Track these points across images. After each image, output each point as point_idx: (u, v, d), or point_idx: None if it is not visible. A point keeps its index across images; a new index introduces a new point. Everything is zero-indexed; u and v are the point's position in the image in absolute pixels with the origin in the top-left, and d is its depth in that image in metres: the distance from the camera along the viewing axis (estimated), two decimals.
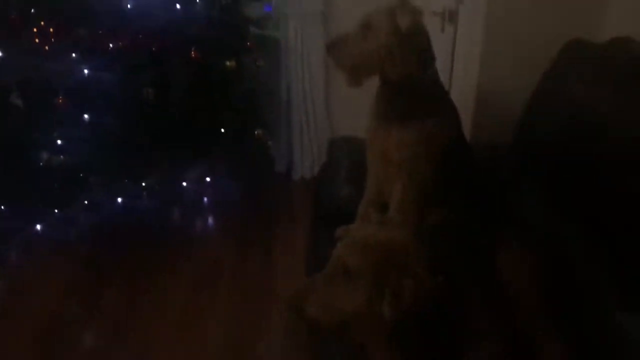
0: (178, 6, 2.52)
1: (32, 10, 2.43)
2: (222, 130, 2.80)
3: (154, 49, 2.50)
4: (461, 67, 2.25)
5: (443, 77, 2.36)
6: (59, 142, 2.51)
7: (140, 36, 2.48)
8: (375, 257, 1.04)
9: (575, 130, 1.60)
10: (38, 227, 2.73)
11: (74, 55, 2.43)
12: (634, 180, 1.31)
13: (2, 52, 2.41)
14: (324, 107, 3.45)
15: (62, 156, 2.51)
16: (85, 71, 2.41)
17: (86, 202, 2.73)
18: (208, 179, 2.92)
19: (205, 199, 3.13)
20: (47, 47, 2.39)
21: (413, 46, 1.49)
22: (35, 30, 2.39)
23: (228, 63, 2.68)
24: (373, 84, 1.62)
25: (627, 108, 1.42)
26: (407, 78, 1.52)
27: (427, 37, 1.55)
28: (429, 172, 1.56)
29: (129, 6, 2.45)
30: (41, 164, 2.49)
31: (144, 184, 2.75)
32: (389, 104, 1.57)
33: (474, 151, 1.75)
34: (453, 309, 1.16)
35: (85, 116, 2.47)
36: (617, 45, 1.69)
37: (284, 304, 1.12)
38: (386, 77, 1.55)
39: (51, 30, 2.40)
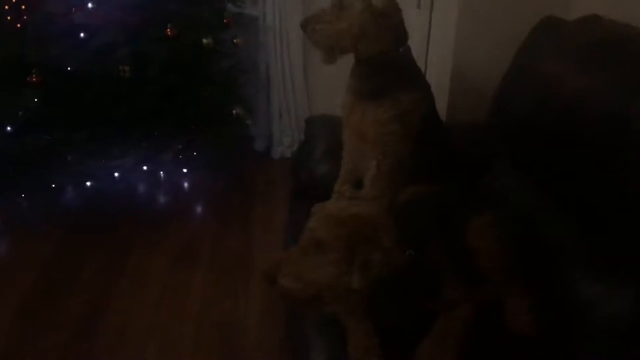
0: None
1: None
2: (200, 108, 2.79)
3: (129, 25, 2.47)
4: (437, 44, 2.27)
5: (420, 54, 2.40)
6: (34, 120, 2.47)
7: (116, 12, 2.45)
8: (346, 230, 1.08)
9: (546, 106, 1.62)
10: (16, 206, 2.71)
11: (48, 31, 2.40)
12: (603, 154, 1.35)
13: None
14: (303, 86, 3.46)
15: (38, 135, 2.48)
16: (59, 48, 2.37)
17: (63, 180, 2.72)
18: (186, 157, 2.90)
19: (184, 177, 3.12)
20: (19, 25, 2.35)
21: (386, 24, 1.50)
22: (6, 7, 2.35)
23: (205, 40, 2.66)
24: (351, 61, 1.64)
25: (595, 83, 1.44)
26: (380, 55, 1.53)
27: (400, 15, 1.56)
28: (403, 148, 1.59)
29: None
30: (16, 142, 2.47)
31: (121, 162, 2.74)
32: (364, 81, 1.58)
33: (448, 128, 1.78)
34: (424, 279, 1.21)
35: (60, 94, 2.43)
36: (586, 22, 1.71)
37: (261, 276, 1.15)
38: (360, 55, 1.56)
39: (23, 7, 2.35)
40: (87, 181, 2.79)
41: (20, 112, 2.45)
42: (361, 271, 1.06)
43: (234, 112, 3.05)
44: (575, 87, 1.51)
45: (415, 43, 2.45)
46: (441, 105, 2.26)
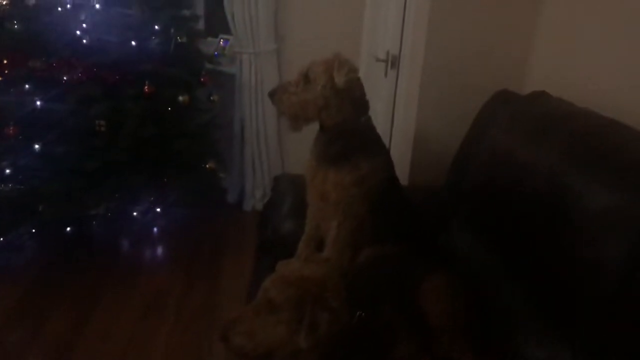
0: (133, 42, 2.60)
1: None
2: (174, 161, 2.87)
3: (108, 82, 2.57)
4: (402, 111, 2.40)
5: (386, 119, 2.53)
6: (7, 171, 2.52)
7: (95, 69, 2.55)
8: (296, 291, 1.15)
9: (497, 174, 1.74)
10: None
11: (27, 86, 2.48)
12: (546, 219, 1.45)
13: None
14: (276, 141, 3.55)
15: (10, 185, 2.52)
16: (38, 102, 2.45)
17: (34, 230, 2.74)
18: (158, 209, 2.96)
19: (156, 228, 3.16)
20: (0, 78, 2.42)
21: (348, 97, 1.64)
22: None
23: (181, 97, 2.76)
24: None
25: (539, 155, 1.56)
26: (342, 124, 1.65)
27: (362, 88, 1.69)
28: (363, 211, 1.68)
29: (84, 41, 2.52)
30: None
31: (93, 213, 2.78)
32: (327, 147, 1.69)
33: (406, 191, 1.87)
34: (375, 338, 1.27)
35: (36, 146, 2.49)
36: (535, 98, 1.86)
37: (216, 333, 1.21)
38: (324, 123, 1.68)
39: (5, 61, 2.44)
40: (57, 229, 2.81)
41: (4, 163, 2.50)
42: (308, 331, 1.12)
43: (207, 165, 3.13)
44: (523, 155, 1.63)
45: (382, 108, 2.59)
46: (404, 167, 2.38)
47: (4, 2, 2.52)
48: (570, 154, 1.46)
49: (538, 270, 1.45)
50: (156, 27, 2.75)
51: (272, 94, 1.66)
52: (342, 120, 1.64)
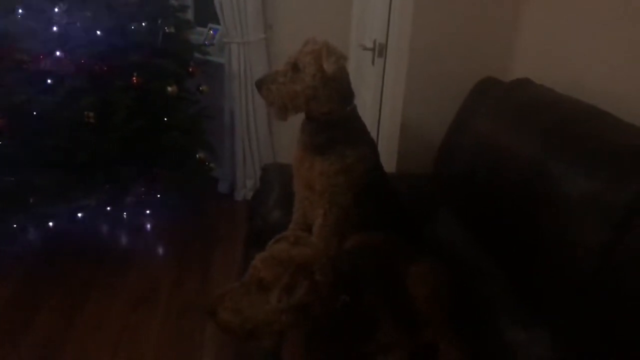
0: (121, 34, 2.60)
1: None
2: (164, 152, 2.87)
3: (96, 73, 2.57)
4: (389, 99, 2.41)
5: (374, 107, 2.54)
6: None
7: (83, 61, 2.54)
8: (284, 270, 1.18)
9: (481, 160, 1.77)
10: None
11: (15, 78, 2.48)
12: (528, 205, 1.47)
13: None
14: (267, 130, 3.57)
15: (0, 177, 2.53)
16: (26, 94, 2.45)
17: (25, 222, 2.75)
18: (149, 201, 2.97)
19: (147, 219, 3.18)
20: None
21: (336, 87, 1.64)
22: None
23: (170, 88, 2.76)
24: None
25: (521, 140, 1.58)
26: (329, 114, 1.67)
27: (348, 78, 1.70)
28: (349, 200, 1.71)
29: (71, 33, 2.51)
30: None
31: (84, 205, 2.79)
32: (313, 136, 1.70)
33: (392, 180, 1.90)
34: (359, 322, 1.30)
35: (26, 138, 2.49)
36: (518, 85, 1.88)
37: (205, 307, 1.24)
38: (311, 113, 1.69)
39: None
40: (49, 222, 2.82)
41: None
42: (282, 293, 1.15)
43: (198, 156, 3.14)
44: (505, 143, 1.66)
45: (370, 97, 2.60)
46: (392, 156, 2.40)
47: None
48: (551, 140, 1.48)
49: (519, 256, 1.48)
50: (144, 17, 2.75)
51: (259, 84, 1.65)
52: (328, 110, 1.65)
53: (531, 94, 1.77)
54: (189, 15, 3.45)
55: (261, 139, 3.56)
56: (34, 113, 2.52)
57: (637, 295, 1.08)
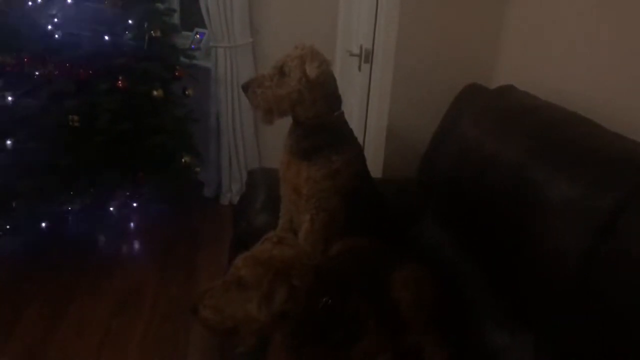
0: (106, 37, 2.59)
1: None
2: (150, 155, 2.86)
3: (80, 77, 2.55)
4: (375, 105, 2.43)
5: (361, 112, 2.56)
6: None
7: (67, 64, 2.53)
8: (264, 270, 1.19)
9: (464, 165, 1.78)
10: None
11: None
12: (510, 211, 1.49)
13: None
14: (253, 134, 3.57)
15: None
16: (10, 98, 2.43)
17: (8, 226, 2.72)
18: (134, 205, 2.96)
19: (131, 223, 3.16)
20: None
21: (321, 92, 1.65)
22: None
23: (155, 92, 2.75)
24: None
25: (504, 146, 1.60)
26: (315, 119, 1.68)
27: (334, 83, 1.71)
28: (335, 204, 1.71)
29: (56, 35, 2.50)
30: None
31: (68, 209, 2.77)
32: (299, 141, 1.71)
33: (379, 185, 1.91)
34: (342, 326, 1.30)
35: (8, 142, 2.47)
36: (502, 92, 1.91)
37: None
38: (297, 118, 1.70)
39: None
40: (32, 225, 2.79)
41: None
42: (262, 301, 1.16)
43: (183, 160, 3.13)
44: (488, 149, 1.67)
45: (357, 102, 2.62)
46: (377, 161, 2.41)
47: None
48: (533, 146, 1.50)
49: (503, 261, 1.50)
50: (130, 21, 2.74)
51: (245, 87, 1.66)
52: (315, 114, 1.66)
53: (515, 101, 1.80)
54: (175, 19, 3.43)
55: (247, 143, 3.55)
56: (17, 116, 2.50)
57: (620, 299, 1.09)
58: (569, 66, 1.89)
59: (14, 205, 2.63)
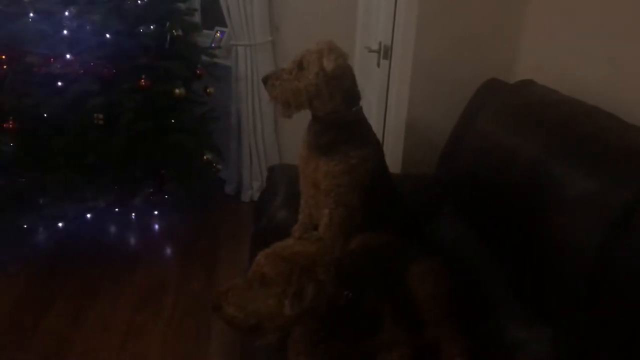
0: (130, 37, 2.64)
1: None
2: (172, 153, 2.90)
3: (104, 76, 2.60)
4: (394, 101, 2.43)
5: (380, 108, 2.56)
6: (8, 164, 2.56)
7: (92, 64, 2.58)
8: (287, 266, 1.20)
9: (483, 161, 1.78)
10: None
11: (25, 81, 2.51)
12: (529, 206, 1.49)
13: None
14: (273, 132, 3.60)
15: (11, 178, 2.57)
16: (36, 97, 2.49)
17: (34, 223, 2.79)
18: (157, 201, 3.00)
19: (154, 220, 3.21)
20: None
21: (338, 86, 1.66)
22: None
23: (177, 90, 2.79)
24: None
25: (524, 141, 1.59)
26: (333, 114, 1.69)
27: (353, 78, 1.72)
28: (353, 200, 1.72)
29: (81, 36, 2.55)
30: None
31: (92, 206, 2.82)
32: (318, 136, 1.73)
33: (397, 180, 1.92)
34: (362, 320, 1.32)
35: (35, 140, 2.53)
36: (522, 86, 1.90)
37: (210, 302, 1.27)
38: (315, 112, 1.72)
39: (3, 57, 2.48)
40: (58, 223, 2.86)
41: (4, 157, 2.54)
42: (294, 300, 1.17)
43: (205, 157, 3.18)
44: (507, 143, 1.67)
45: (376, 98, 2.62)
46: (396, 156, 2.42)
47: None
48: (552, 140, 1.49)
49: (520, 255, 1.50)
50: (152, 20, 2.78)
51: (265, 80, 1.69)
52: (333, 109, 1.67)
53: (534, 95, 1.79)
54: (197, 18, 3.48)
55: (267, 141, 3.58)
56: (44, 115, 2.56)
57: (636, 293, 1.09)
58: (590, 60, 1.87)
59: (40, 202, 2.69)
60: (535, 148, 1.52)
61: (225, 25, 3.40)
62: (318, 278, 1.20)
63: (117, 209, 2.90)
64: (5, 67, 2.50)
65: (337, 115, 1.70)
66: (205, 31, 3.61)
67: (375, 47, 2.60)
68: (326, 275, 1.21)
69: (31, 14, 2.57)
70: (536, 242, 1.40)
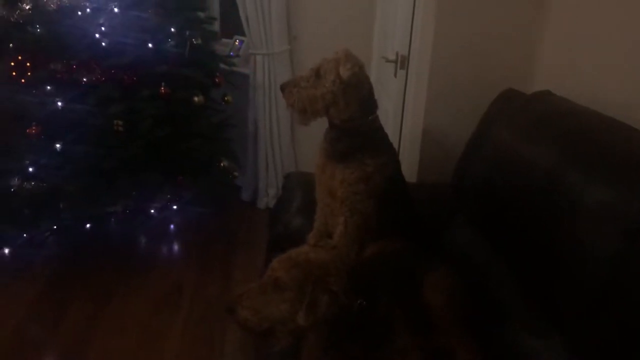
0: (150, 45, 2.69)
1: (10, 45, 2.58)
2: (189, 159, 2.95)
3: (125, 83, 2.65)
4: (410, 110, 2.45)
5: (396, 117, 2.57)
6: (30, 169, 2.62)
7: (113, 71, 2.63)
8: (300, 272, 1.22)
9: (499, 170, 1.78)
10: (6, 250, 2.84)
11: (48, 87, 2.58)
12: (544, 215, 1.49)
13: None
14: (290, 140, 3.62)
15: (33, 182, 2.62)
16: (59, 103, 2.55)
17: (55, 226, 2.84)
18: (174, 207, 3.04)
19: (171, 225, 3.26)
20: (23, 80, 2.52)
21: (355, 94, 1.68)
22: (12, 63, 2.53)
23: (196, 98, 2.84)
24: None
25: (540, 152, 1.59)
26: (350, 122, 1.71)
27: (369, 86, 1.74)
28: (369, 207, 1.73)
29: (103, 43, 2.61)
30: (12, 189, 2.60)
31: (111, 210, 2.87)
32: (334, 144, 1.74)
33: (412, 189, 1.92)
34: (375, 327, 1.32)
35: (57, 145, 2.58)
36: (539, 97, 1.89)
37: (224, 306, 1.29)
38: (332, 120, 1.74)
39: (27, 64, 2.54)
40: (76, 227, 2.91)
41: (27, 162, 2.61)
42: (308, 310, 1.19)
43: (222, 164, 3.21)
44: (523, 153, 1.67)
45: (393, 108, 2.64)
46: (413, 166, 2.43)
47: (27, 7, 2.62)
48: (568, 150, 1.49)
49: (535, 265, 1.49)
50: (172, 29, 2.83)
51: (283, 87, 1.72)
52: (349, 117, 1.69)
53: (551, 106, 1.79)
54: (215, 27, 3.53)
55: (284, 148, 3.61)
56: (65, 121, 2.62)
57: None
58: (607, 72, 1.87)
59: (61, 206, 2.74)
60: (551, 158, 1.52)
61: (243, 34, 3.44)
62: (331, 289, 1.22)
63: (135, 213, 2.93)
64: (29, 73, 2.56)
65: (354, 123, 1.71)
66: (224, 40, 3.67)
67: (392, 57, 2.61)
68: (339, 286, 1.23)
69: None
70: (551, 252, 1.40)
